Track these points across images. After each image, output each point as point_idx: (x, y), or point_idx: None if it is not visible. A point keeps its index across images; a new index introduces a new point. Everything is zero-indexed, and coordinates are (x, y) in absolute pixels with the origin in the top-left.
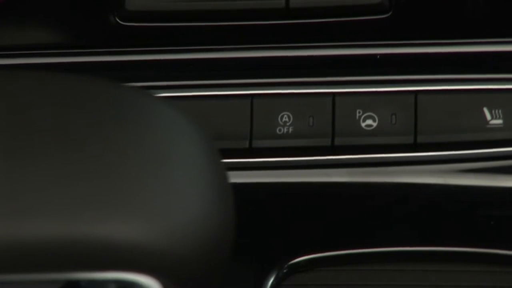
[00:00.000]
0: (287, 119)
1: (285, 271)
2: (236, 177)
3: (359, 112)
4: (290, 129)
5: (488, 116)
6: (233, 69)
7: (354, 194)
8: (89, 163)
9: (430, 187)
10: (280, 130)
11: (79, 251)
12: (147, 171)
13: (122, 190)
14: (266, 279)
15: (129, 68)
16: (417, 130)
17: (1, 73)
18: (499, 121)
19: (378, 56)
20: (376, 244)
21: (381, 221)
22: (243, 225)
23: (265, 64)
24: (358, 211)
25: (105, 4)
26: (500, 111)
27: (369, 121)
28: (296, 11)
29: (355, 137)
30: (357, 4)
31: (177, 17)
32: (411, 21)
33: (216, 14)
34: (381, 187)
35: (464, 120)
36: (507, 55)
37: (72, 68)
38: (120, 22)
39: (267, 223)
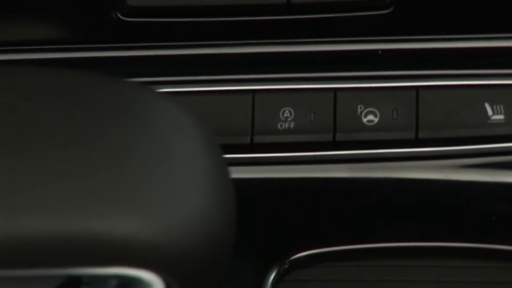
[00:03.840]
0: (288, 115)
1: (286, 266)
2: (238, 173)
3: (360, 108)
4: (292, 125)
5: (490, 112)
6: (234, 65)
7: (356, 189)
8: (90, 158)
9: (431, 183)
10: (281, 125)
11: (80, 247)
12: (148, 167)
13: (124, 185)
14: (267, 274)
15: (130, 63)
16: (418, 125)
17: (1, 68)
18: (501, 117)
19: (380, 52)
20: (377, 240)
21: (382, 216)
22: (244, 220)
23: (267, 59)
24: (359, 207)
25: (106, 0)
26: (501, 106)
27: (370, 117)
28: (298, 6)
29: (356, 133)
30: None
31: (179, 13)
32: (412, 17)
33: (217, 9)
34: (383, 182)
35: (466, 116)
36: (509, 50)
37: (74, 63)
38: (122, 18)
39: (268, 218)
